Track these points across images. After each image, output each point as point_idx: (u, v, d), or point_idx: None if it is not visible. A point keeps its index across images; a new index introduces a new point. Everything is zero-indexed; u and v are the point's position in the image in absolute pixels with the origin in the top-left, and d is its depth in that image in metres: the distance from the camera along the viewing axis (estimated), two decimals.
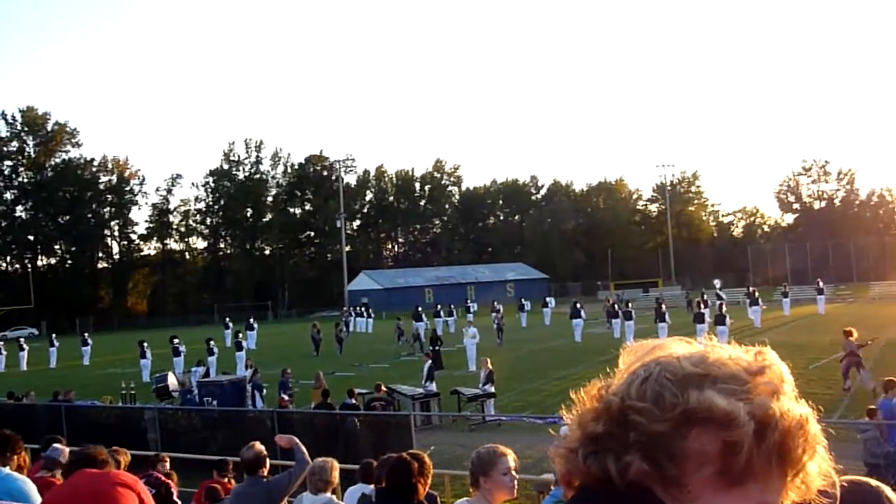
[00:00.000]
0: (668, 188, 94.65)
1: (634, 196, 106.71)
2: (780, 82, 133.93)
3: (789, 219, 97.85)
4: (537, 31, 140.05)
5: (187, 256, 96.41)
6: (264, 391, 21.83)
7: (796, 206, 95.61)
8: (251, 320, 45.58)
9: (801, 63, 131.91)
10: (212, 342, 33.33)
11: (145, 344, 33.50)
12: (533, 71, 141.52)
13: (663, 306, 35.70)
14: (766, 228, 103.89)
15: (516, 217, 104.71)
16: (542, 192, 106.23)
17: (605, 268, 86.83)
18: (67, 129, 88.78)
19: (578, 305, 38.34)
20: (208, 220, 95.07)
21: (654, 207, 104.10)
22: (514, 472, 4.19)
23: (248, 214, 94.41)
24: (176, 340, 33.85)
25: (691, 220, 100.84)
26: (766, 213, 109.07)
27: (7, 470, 4.93)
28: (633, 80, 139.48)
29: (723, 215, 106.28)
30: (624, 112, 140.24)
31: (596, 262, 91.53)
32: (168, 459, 10.36)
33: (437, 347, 28.08)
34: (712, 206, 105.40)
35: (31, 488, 4.89)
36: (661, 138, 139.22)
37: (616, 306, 39.30)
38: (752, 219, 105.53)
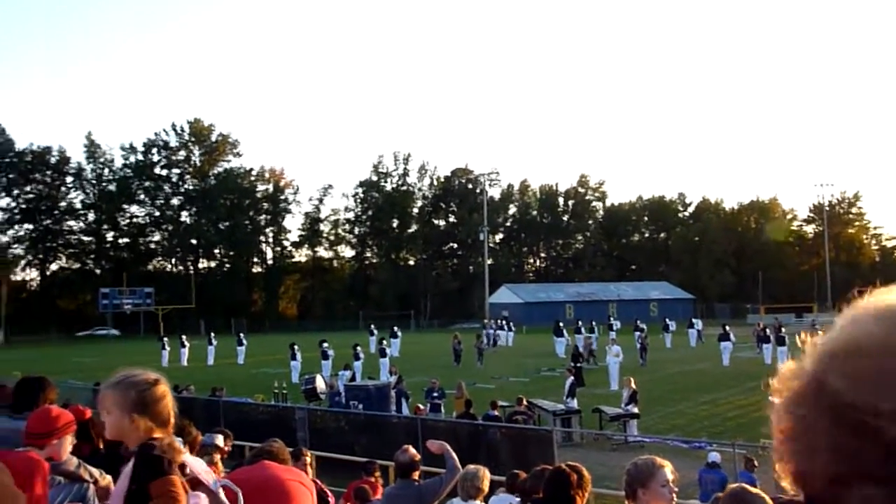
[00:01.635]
0: (827, 209, 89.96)
1: (789, 216, 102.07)
2: None
3: None
4: (685, 47, 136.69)
5: (335, 264, 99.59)
6: (410, 399, 22.28)
7: None
8: (395, 328, 46.64)
9: None
10: (358, 347, 34.32)
11: (296, 346, 34.84)
12: (683, 84, 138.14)
13: (819, 332, 33.92)
14: None
15: (662, 234, 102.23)
16: (690, 209, 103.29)
17: (755, 290, 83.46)
18: (230, 140, 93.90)
19: (727, 328, 37.07)
20: (356, 230, 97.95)
21: (809, 228, 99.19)
22: (672, 485, 4.14)
23: (395, 225, 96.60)
24: (325, 344, 35.02)
25: (851, 242, 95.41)
26: None
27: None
28: (790, 94, 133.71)
29: (887, 238, 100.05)
30: (780, 128, 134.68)
31: (746, 284, 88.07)
32: (309, 454, 10.63)
33: (579, 364, 27.83)
34: (875, 228, 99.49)
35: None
36: (820, 156, 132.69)
37: (767, 330, 37.76)
38: None
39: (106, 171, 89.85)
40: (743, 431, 16.61)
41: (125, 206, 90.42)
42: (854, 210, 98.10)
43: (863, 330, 0.85)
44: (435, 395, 21.54)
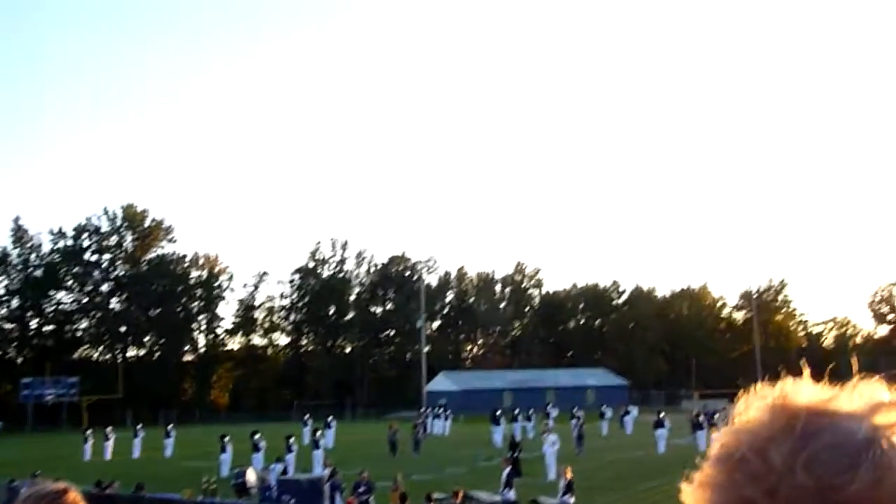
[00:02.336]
0: (755, 296, 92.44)
1: (719, 303, 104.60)
2: (874, 190, 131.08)
3: (883, 331, 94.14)
4: (618, 136, 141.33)
5: (269, 352, 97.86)
6: (343, 492, 21.68)
7: (891, 317, 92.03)
8: (329, 419, 45.75)
9: None
10: (291, 439, 33.44)
11: (226, 438, 33.84)
12: (614, 177, 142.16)
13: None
14: (858, 340, 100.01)
15: (597, 321, 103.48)
16: (624, 296, 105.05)
17: (688, 376, 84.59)
18: (164, 225, 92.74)
19: (662, 415, 37.28)
20: (292, 317, 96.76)
21: (739, 315, 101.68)
22: None
23: (331, 312, 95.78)
24: (256, 436, 34.07)
25: (779, 329, 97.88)
26: (858, 324, 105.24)
27: None
28: (717, 187, 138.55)
29: (812, 325, 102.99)
30: (709, 218, 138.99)
31: (679, 370, 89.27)
32: None
33: (516, 454, 27.57)
34: (801, 315, 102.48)
35: None
36: (747, 245, 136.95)
37: (700, 417, 38.09)
38: (843, 329, 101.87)
39: (32, 255, 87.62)
40: None
41: (52, 293, 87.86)
42: (781, 297, 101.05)
43: (893, 483, 0.78)
44: (361, 489, 20.96)
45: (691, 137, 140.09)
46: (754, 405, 0.86)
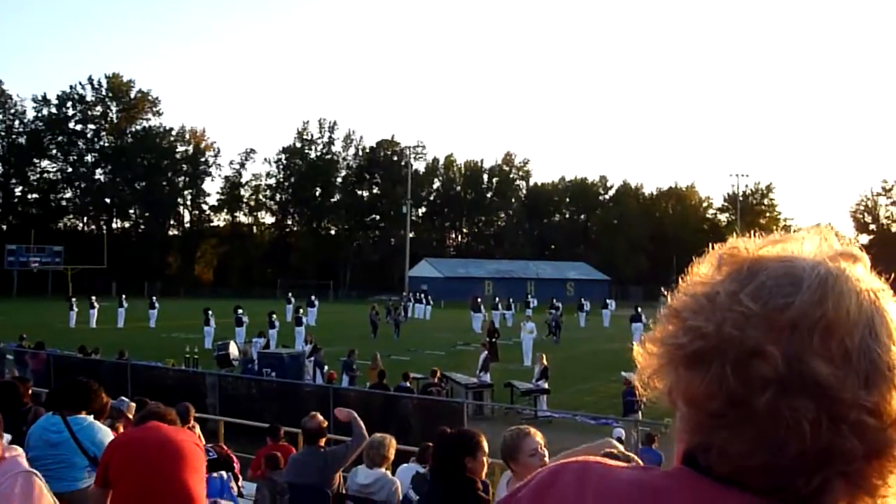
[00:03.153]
0: (740, 198, 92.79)
1: (705, 204, 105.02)
2: (864, 98, 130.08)
3: (864, 240, 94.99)
4: (613, 32, 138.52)
5: (255, 230, 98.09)
6: (325, 368, 22.17)
7: (873, 227, 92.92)
8: (312, 298, 46.32)
9: (885, 79, 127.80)
10: (273, 315, 33.96)
11: (210, 312, 34.31)
12: (608, 71, 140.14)
13: None
14: None
15: (582, 216, 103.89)
16: (611, 192, 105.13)
17: (669, 274, 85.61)
18: (150, 97, 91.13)
19: (639, 310, 38.00)
20: (278, 197, 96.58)
21: (723, 217, 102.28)
22: (543, 450, 4.05)
23: (317, 194, 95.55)
24: (240, 311, 34.58)
25: (763, 232, 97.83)
26: (840, 231, 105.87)
27: (90, 419, 5.19)
28: (710, 85, 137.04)
29: (794, 230, 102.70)
30: (699, 117, 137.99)
31: (660, 268, 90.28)
32: (192, 415, 9.97)
33: (493, 339, 28.17)
34: (784, 220, 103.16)
35: (110, 438, 5.15)
36: (736, 146, 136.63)
37: None
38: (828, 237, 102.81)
39: (16, 122, 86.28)
40: (648, 410, 17.09)
41: (36, 161, 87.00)
42: (766, 201, 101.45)
43: (838, 300, 0.80)
44: (354, 367, 21.52)
45: (684, 33, 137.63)
46: (705, 262, 0.89)
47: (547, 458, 4.00)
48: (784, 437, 0.77)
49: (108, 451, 4.62)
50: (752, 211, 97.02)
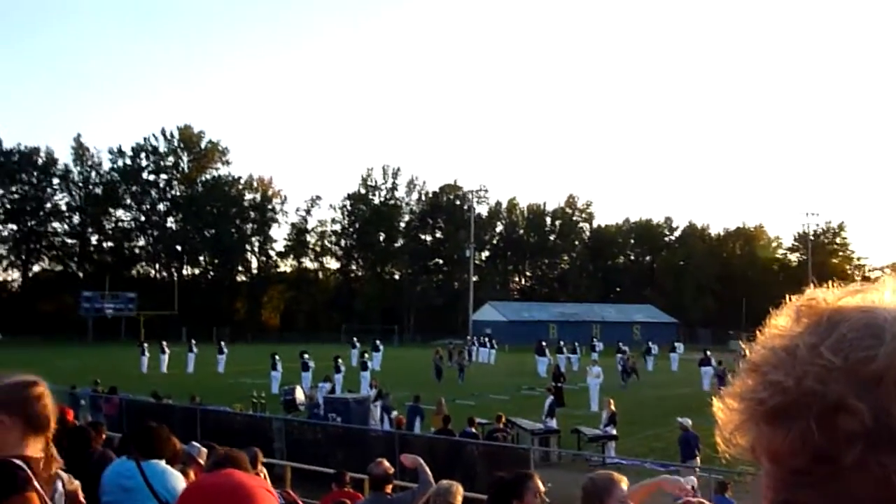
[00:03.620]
0: (811, 238, 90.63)
1: (774, 244, 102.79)
2: None
3: None
4: (675, 71, 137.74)
5: (320, 276, 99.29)
6: (394, 413, 22.09)
7: None
8: (377, 342, 46.53)
9: None
10: (339, 360, 34.19)
11: (276, 357, 34.70)
12: (671, 110, 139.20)
13: None
14: None
15: (647, 258, 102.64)
16: (677, 233, 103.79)
17: (738, 316, 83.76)
18: (219, 147, 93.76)
19: (708, 353, 37.19)
20: (342, 242, 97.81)
21: (794, 257, 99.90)
22: (629, 501, 4.05)
23: (381, 239, 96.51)
24: (306, 356, 34.90)
25: (834, 272, 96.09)
26: None
27: (163, 464, 5.26)
28: (777, 122, 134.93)
29: (869, 270, 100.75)
30: (767, 156, 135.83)
31: (729, 310, 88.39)
32: (260, 460, 10.05)
33: (559, 384, 27.84)
34: (858, 259, 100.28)
35: (182, 484, 5.20)
36: (806, 185, 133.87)
37: None
38: None
39: (93, 173, 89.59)
40: (719, 457, 16.63)
41: (111, 210, 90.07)
42: (838, 240, 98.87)
43: None
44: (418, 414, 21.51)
45: (752, 71, 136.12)
46: (783, 313, 0.87)
47: None
48: (873, 492, 0.75)
49: (183, 498, 4.66)
50: (823, 251, 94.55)
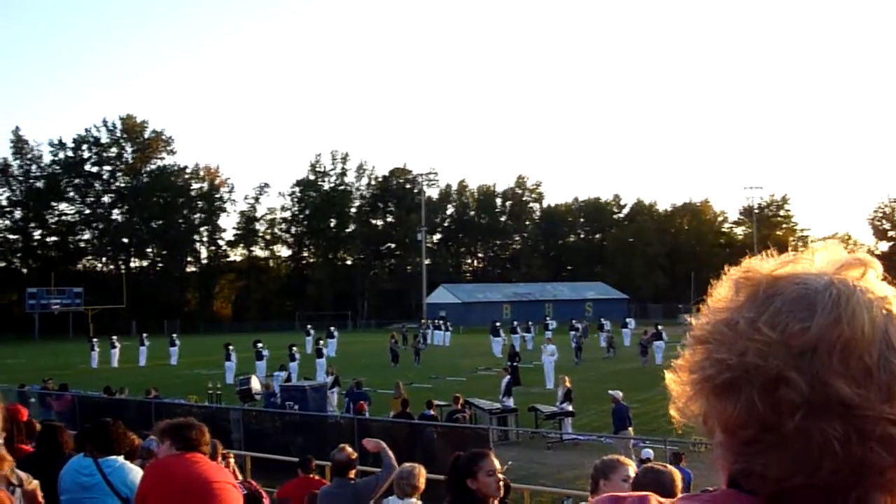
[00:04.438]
0: (756, 211, 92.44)
1: (720, 218, 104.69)
2: (878, 104, 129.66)
3: (884, 247, 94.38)
4: (619, 50, 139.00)
5: (271, 264, 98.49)
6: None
7: (892, 233, 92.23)
8: (332, 329, 46.38)
9: None
10: (294, 348, 34.04)
11: (230, 347, 34.40)
12: (616, 88, 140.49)
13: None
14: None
15: (597, 236, 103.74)
16: (625, 211, 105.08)
17: (687, 290, 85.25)
18: (163, 137, 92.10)
19: (660, 328, 37.81)
20: (293, 230, 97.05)
21: (740, 231, 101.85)
22: (629, 484, 4.30)
23: (332, 225, 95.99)
24: (259, 345, 34.66)
25: (780, 244, 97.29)
26: (858, 239, 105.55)
27: (121, 460, 5.19)
28: (720, 97, 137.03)
29: (812, 240, 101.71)
30: (710, 131, 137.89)
31: (678, 285, 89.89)
32: (232, 456, 10.11)
33: (515, 363, 28.08)
34: (801, 230, 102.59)
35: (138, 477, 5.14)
36: (749, 159, 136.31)
37: None
38: (844, 245, 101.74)
39: (34, 167, 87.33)
40: (674, 429, 16.97)
41: (54, 204, 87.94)
42: (782, 212, 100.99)
43: (851, 318, 0.83)
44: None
45: (693, 47, 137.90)
46: (723, 285, 0.93)
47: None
48: (818, 457, 0.80)
49: (149, 481, 4.57)
50: (768, 223, 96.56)
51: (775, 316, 0.84)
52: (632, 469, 4.34)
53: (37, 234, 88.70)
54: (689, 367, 0.90)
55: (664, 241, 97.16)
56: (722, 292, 0.92)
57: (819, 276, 0.87)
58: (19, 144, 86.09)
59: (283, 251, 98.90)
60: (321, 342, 37.75)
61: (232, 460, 8.00)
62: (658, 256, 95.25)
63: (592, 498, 4.37)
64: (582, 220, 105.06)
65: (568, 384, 20.39)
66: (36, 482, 4.45)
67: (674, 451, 13.26)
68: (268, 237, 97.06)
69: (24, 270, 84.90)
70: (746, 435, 0.84)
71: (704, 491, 0.92)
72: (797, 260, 0.92)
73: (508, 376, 22.51)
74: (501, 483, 4.38)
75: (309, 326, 49.96)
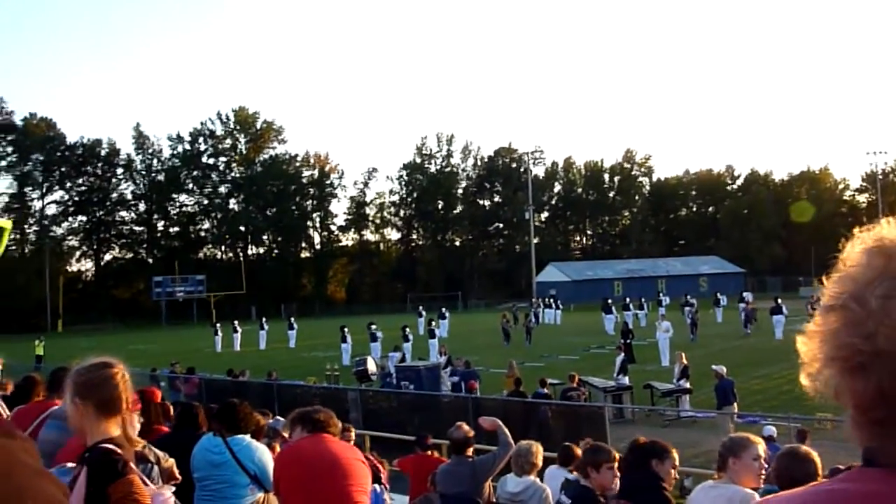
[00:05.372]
0: (880, 177, 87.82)
1: (841, 186, 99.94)
2: None
3: None
4: (733, 15, 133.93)
5: (382, 247, 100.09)
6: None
7: None
8: (443, 309, 46.80)
9: None
10: (407, 329, 34.50)
11: (346, 329, 35.17)
12: (728, 57, 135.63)
13: None
14: None
15: (710, 209, 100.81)
16: (739, 182, 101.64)
17: (807, 262, 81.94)
18: (274, 126, 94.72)
19: (779, 301, 36.51)
20: (402, 213, 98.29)
21: (862, 198, 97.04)
22: (764, 462, 4.33)
23: (440, 207, 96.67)
24: (373, 327, 35.31)
25: None
26: None
27: (248, 438, 5.41)
28: (840, 61, 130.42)
29: None
30: (828, 96, 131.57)
31: (797, 257, 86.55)
32: (353, 430, 10.28)
33: (628, 340, 27.66)
34: None
35: (269, 457, 5.35)
36: (871, 123, 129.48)
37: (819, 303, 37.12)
38: None
39: (154, 161, 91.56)
40: (796, 405, 16.39)
41: (174, 196, 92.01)
42: None
43: None
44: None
45: (807, 10, 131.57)
46: (855, 249, 0.91)
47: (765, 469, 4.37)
48: None
49: (280, 463, 4.80)
50: (894, 190, 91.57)
51: None
52: (761, 447, 4.32)
53: (160, 225, 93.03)
54: (820, 335, 0.89)
55: (782, 212, 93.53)
56: (853, 258, 0.90)
57: None
58: (140, 140, 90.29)
59: (393, 234, 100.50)
60: (433, 323, 38.16)
61: (353, 433, 8.20)
62: (775, 228, 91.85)
63: (719, 475, 4.37)
64: (694, 192, 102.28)
65: (685, 361, 19.96)
66: (172, 460, 4.67)
67: (798, 427, 12.80)
68: (377, 221, 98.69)
69: (150, 260, 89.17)
70: (877, 416, 0.84)
71: (835, 470, 0.97)
72: None
73: (623, 354, 22.19)
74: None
75: (420, 308, 50.58)
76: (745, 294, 43.82)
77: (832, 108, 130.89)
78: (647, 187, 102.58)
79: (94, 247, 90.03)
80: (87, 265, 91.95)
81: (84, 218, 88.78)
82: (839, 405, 0.89)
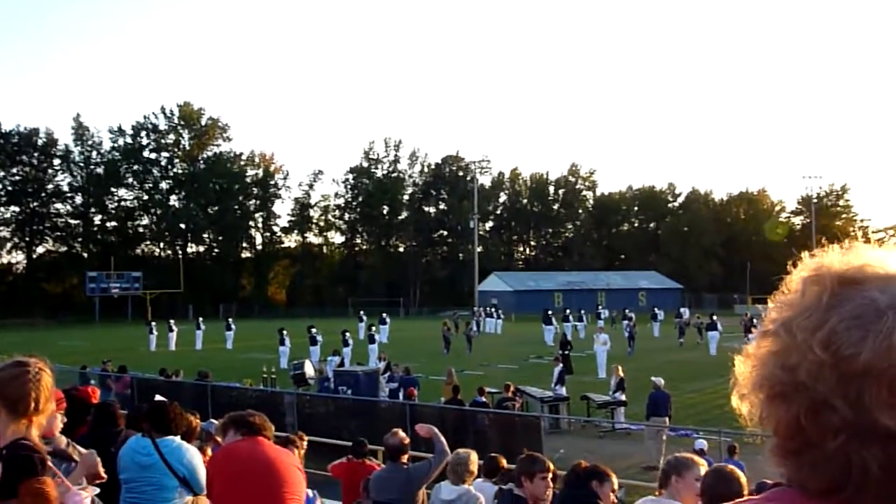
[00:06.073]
0: (814, 201, 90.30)
1: (777, 208, 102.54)
2: None
3: None
4: (676, 37, 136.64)
5: (325, 250, 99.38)
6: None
7: None
8: (384, 315, 46.62)
9: None
10: (347, 334, 34.29)
11: (284, 332, 34.78)
12: (675, 76, 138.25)
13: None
14: None
15: (651, 224, 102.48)
16: (680, 199, 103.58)
17: (742, 281, 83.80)
18: (220, 124, 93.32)
19: (714, 318, 37.23)
20: (346, 216, 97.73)
21: (797, 220, 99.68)
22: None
23: (385, 212, 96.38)
24: (313, 330, 35.00)
25: (839, 234, 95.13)
26: None
27: (178, 440, 5.27)
28: (779, 87, 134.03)
29: (872, 231, 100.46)
30: (769, 120, 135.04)
31: (733, 275, 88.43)
32: (305, 438, 10.28)
33: (567, 352, 27.87)
34: (861, 221, 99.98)
35: (199, 459, 5.22)
36: (808, 148, 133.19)
37: (754, 321, 37.99)
38: None
39: (94, 153, 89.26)
40: (728, 419, 16.69)
41: (113, 190, 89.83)
42: (841, 202, 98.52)
43: None
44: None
45: (748, 31, 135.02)
46: (796, 276, 0.92)
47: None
48: (857, 479, 0.81)
49: (215, 465, 4.68)
50: (826, 213, 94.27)
51: (831, 335, 0.82)
52: (703, 468, 4.41)
53: (97, 219, 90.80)
54: (752, 359, 0.91)
55: (720, 230, 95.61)
56: (792, 284, 0.91)
57: (886, 288, 0.84)
58: (80, 131, 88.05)
59: (337, 238, 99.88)
60: (374, 328, 37.98)
61: (304, 441, 8.09)
62: (713, 246, 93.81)
63: (660, 491, 4.44)
64: (636, 208, 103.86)
65: (621, 373, 20.18)
66: (97, 459, 4.53)
67: (728, 442, 13.04)
68: (321, 224, 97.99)
69: (85, 255, 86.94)
70: (793, 445, 0.86)
71: (762, 484, 0.99)
72: (873, 259, 0.89)
73: (560, 365, 22.35)
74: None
75: (362, 312, 50.31)
76: (682, 310, 44.66)
77: (771, 132, 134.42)
78: (591, 201, 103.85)
79: (27, 239, 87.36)
80: (19, 257, 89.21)
81: (17, 209, 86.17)
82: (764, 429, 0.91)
